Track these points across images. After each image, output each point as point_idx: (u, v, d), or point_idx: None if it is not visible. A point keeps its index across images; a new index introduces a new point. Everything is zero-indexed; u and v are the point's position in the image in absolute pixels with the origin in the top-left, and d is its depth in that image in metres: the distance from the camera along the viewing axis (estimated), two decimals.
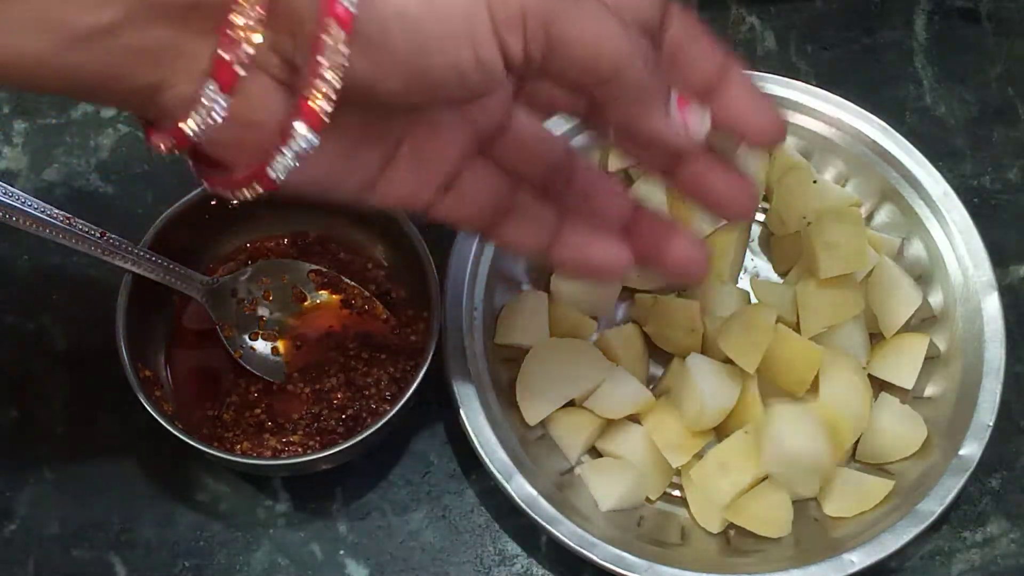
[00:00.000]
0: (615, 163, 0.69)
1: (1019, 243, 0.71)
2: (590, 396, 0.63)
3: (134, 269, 0.60)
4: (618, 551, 0.58)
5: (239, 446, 0.61)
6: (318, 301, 0.66)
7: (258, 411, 0.63)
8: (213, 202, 0.63)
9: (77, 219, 0.59)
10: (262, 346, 0.65)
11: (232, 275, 0.65)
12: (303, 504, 0.63)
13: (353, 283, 0.66)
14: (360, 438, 0.58)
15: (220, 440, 0.62)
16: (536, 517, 0.59)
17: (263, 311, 0.65)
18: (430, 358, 0.60)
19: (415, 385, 0.59)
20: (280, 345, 0.65)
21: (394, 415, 0.59)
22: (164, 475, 0.64)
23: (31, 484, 0.63)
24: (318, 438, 0.62)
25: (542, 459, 0.62)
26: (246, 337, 0.64)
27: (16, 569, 0.62)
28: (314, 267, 0.66)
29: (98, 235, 0.59)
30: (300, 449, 0.61)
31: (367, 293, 0.66)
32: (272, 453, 0.61)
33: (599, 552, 0.58)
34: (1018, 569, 0.63)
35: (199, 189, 0.62)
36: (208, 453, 0.58)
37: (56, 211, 0.58)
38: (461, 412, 0.61)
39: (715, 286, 0.65)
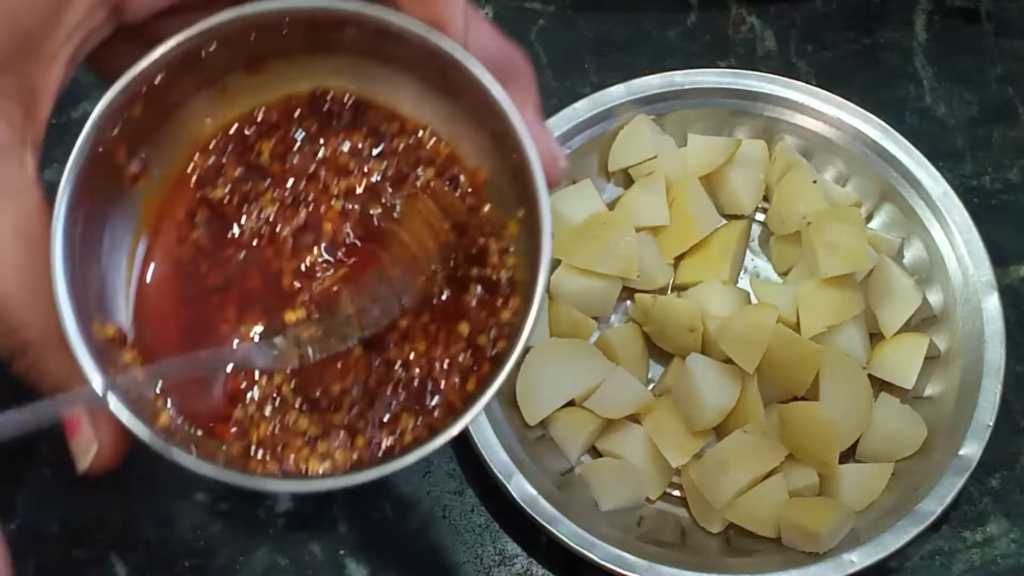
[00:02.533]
0: (615, 164, 0.69)
1: (1019, 243, 0.70)
2: (590, 396, 0.63)
3: None
4: (618, 551, 0.58)
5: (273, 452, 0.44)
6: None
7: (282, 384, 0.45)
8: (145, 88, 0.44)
9: None
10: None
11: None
12: (303, 504, 0.63)
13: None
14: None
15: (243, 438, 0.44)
16: (536, 517, 0.59)
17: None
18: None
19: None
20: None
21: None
22: (164, 475, 0.63)
23: (31, 484, 0.63)
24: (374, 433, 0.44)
25: (542, 459, 0.62)
26: None
27: (16, 569, 0.61)
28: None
29: None
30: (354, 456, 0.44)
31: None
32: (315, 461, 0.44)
33: (599, 552, 0.58)
34: (1018, 569, 0.63)
35: (131, 74, 0.43)
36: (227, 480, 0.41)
37: None
38: None
39: (715, 286, 0.65)
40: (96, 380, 0.40)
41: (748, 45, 0.76)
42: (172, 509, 0.63)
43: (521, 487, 0.60)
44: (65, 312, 0.40)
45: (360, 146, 0.46)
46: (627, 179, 0.70)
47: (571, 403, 0.64)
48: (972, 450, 0.61)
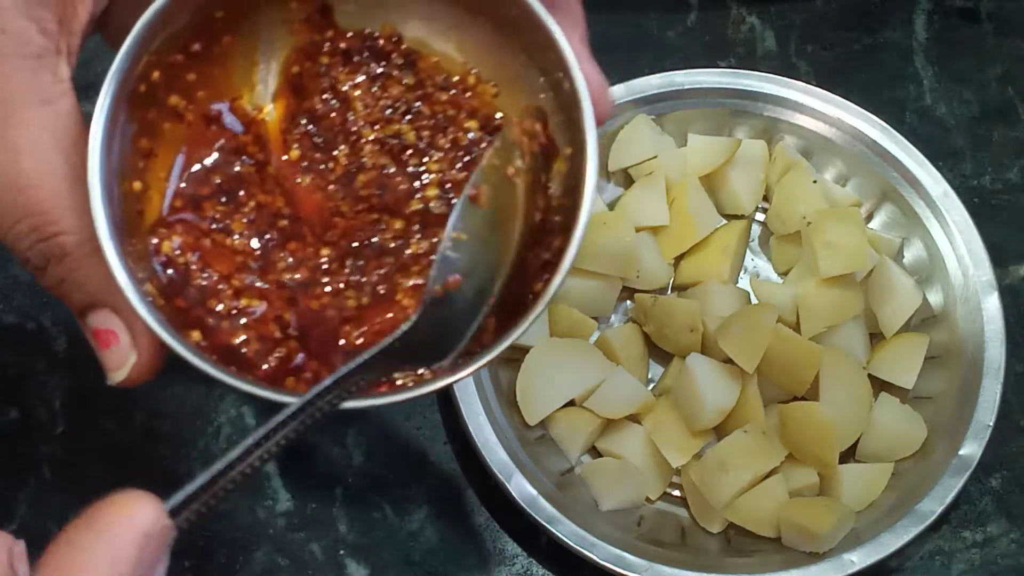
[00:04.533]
0: (615, 164, 0.69)
1: (1019, 243, 0.71)
2: (590, 396, 0.63)
3: None
4: (618, 551, 0.58)
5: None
6: None
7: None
8: None
9: None
10: None
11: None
12: (303, 504, 0.63)
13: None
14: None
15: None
16: (536, 517, 0.59)
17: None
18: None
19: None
20: None
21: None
22: (164, 475, 0.63)
23: (31, 484, 0.63)
24: None
25: (542, 459, 0.62)
26: None
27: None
28: None
29: None
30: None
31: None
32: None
33: (599, 552, 0.58)
34: (1018, 569, 0.63)
35: None
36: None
37: None
38: (461, 412, 0.61)
39: (715, 286, 0.65)
40: (132, 293, 0.40)
41: (748, 45, 0.76)
42: None
43: (521, 487, 0.60)
44: (100, 223, 0.40)
45: (403, 95, 0.46)
46: (627, 179, 0.70)
47: (571, 403, 0.64)
48: (972, 450, 0.61)
